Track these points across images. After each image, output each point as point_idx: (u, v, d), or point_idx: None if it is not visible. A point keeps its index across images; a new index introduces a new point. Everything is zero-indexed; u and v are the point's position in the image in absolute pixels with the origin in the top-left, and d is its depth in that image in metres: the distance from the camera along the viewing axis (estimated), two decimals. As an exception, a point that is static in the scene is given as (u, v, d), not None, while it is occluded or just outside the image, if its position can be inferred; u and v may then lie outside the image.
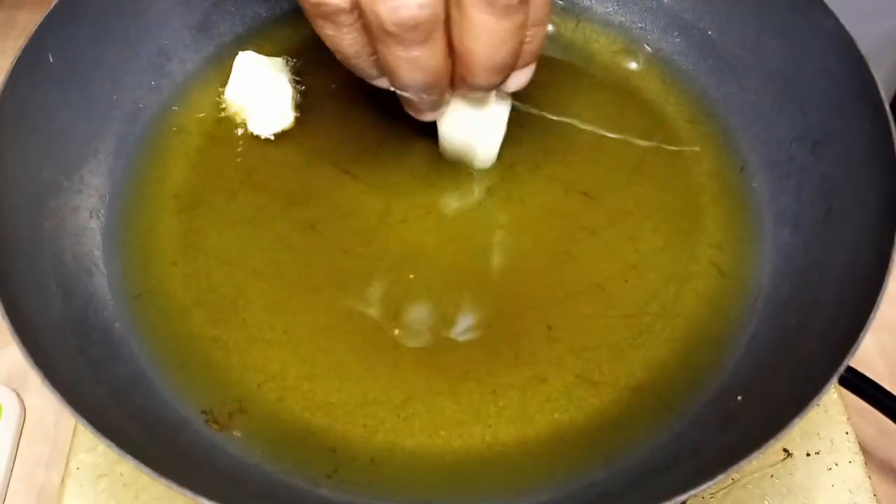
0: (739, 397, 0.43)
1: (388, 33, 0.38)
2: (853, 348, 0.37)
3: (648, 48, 0.59)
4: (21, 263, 0.43)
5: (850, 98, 0.47)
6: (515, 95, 0.49)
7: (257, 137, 0.54)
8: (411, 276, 0.49)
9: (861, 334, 0.38)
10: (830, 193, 0.48)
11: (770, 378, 0.43)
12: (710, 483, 0.35)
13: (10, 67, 0.45)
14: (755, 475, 0.45)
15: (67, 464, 0.46)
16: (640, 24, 0.60)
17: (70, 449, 0.46)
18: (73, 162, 0.50)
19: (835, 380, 0.37)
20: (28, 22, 0.75)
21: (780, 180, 0.51)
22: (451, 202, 0.52)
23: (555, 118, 0.56)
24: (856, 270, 0.43)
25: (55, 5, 0.48)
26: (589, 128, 0.56)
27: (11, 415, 0.53)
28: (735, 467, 0.35)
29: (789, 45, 0.52)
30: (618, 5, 0.61)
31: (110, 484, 0.45)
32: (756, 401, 0.43)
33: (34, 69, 0.47)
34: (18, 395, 0.54)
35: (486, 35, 0.39)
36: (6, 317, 0.38)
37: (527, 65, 0.44)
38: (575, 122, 0.56)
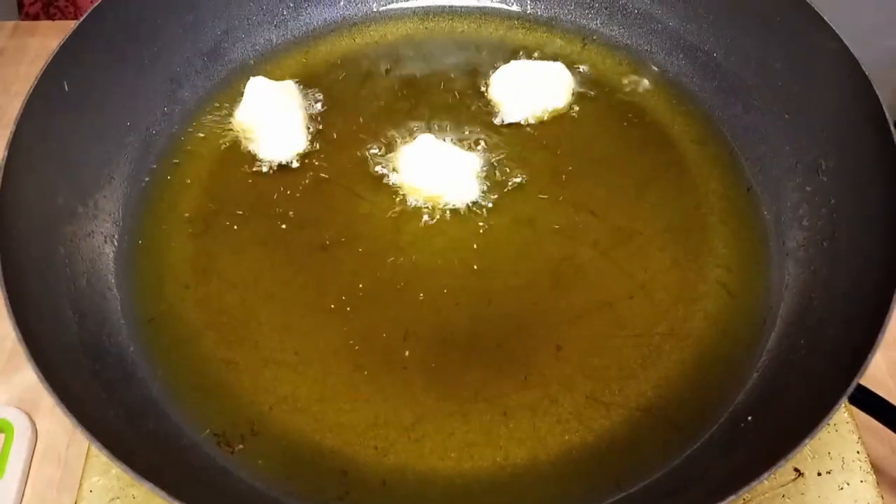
0: (749, 417, 0.43)
1: None
2: (863, 367, 0.37)
3: (655, 69, 0.60)
4: (36, 288, 0.44)
5: (855, 119, 0.48)
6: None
7: (269, 161, 0.55)
8: (421, 296, 0.49)
9: (871, 353, 0.38)
10: (836, 213, 0.48)
11: (780, 398, 0.43)
12: (721, 504, 0.35)
13: (27, 95, 0.46)
14: (766, 495, 0.45)
15: (80, 486, 0.46)
16: (645, 47, 0.61)
17: (83, 472, 0.46)
18: (87, 188, 0.51)
19: (845, 398, 0.37)
20: (40, 48, 0.76)
21: (786, 201, 0.52)
22: (460, 223, 0.52)
23: (561, 138, 0.56)
24: (863, 289, 0.43)
25: (70, 34, 0.49)
26: (596, 148, 0.56)
27: (23, 437, 0.53)
28: (746, 488, 0.35)
29: (794, 67, 0.53)
30: (623, 28, 0.62)
31: (123, 506, 0.45)
32: (766, 421, 0.43)
33: (49, 97, 0.48)
34: (30, 418, 0.54)
35: None
36: (21, 339, 0.38)
37: None
38: (582, 142, 0.56)
